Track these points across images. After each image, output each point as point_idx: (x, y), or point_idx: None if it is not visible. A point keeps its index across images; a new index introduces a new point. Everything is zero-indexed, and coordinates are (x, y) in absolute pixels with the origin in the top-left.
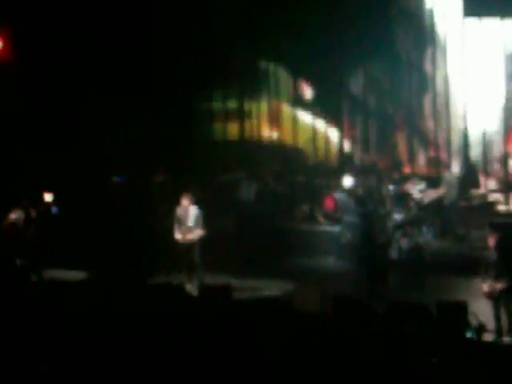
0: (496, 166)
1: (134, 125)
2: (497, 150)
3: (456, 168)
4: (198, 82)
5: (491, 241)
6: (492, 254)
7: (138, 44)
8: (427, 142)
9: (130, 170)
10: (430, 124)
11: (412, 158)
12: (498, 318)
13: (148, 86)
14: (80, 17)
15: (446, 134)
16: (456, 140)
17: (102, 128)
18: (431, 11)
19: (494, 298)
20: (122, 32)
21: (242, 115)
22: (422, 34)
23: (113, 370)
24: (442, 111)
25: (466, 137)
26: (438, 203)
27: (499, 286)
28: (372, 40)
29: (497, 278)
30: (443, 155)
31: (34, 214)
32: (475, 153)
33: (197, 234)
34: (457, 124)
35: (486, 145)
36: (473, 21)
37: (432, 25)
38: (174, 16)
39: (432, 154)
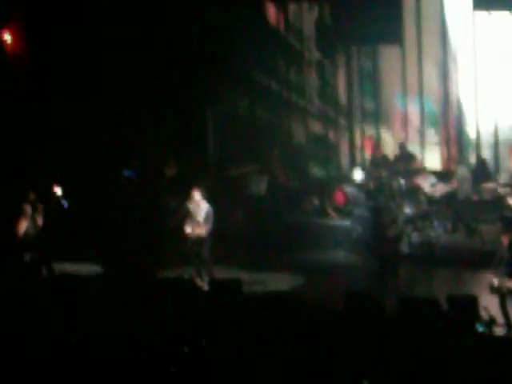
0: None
1: (144, 116)
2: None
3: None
4: (210, 71)
5: (504, 239)
6: (505, 251)
7: (149, 34)
8: None
9: (140, 163)
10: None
11: None
12: (506, 314)
13: (158, 75)
14: (88, 9)
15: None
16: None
17: (111, 120)
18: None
19: (502, 293)
20: (131, 22)
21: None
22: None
23: (118, 364)
24: None
25: (478, 131)
26: (449, 197)
27: (510, 283)
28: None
29: (509, 275)
30: None
31: (41, 208)
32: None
33: (206, 229)
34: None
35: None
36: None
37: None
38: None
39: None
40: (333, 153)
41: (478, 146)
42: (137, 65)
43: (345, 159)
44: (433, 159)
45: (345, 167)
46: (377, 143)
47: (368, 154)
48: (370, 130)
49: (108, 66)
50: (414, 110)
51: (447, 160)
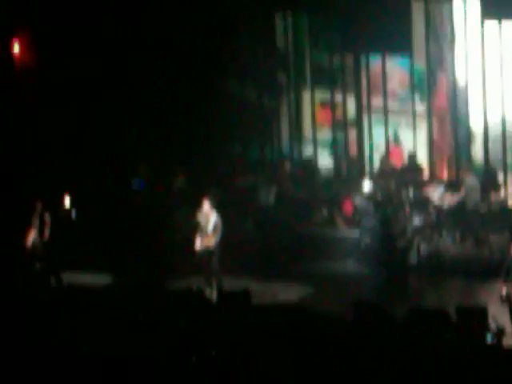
0: None
1: (153, 126)
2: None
3: None
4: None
5: None
6: None
7: (159, 42)
8: None
9: (149, 174)
10: None
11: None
12: None
13: (168, 84)
14: (93, 15)
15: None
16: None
17: (120, 131)
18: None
19: (510, 302)
20: (138, 30)
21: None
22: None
23: (127, 374)
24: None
25: (487, 138)
26: (458, 207)
27: None
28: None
29: None
30: None
31: (48, 217)
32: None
33: (214, 240)
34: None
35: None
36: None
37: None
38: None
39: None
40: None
41: (486, 153)
42: (146, 74)
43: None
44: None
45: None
46: (385, 153)
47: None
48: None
49: (116, 75)
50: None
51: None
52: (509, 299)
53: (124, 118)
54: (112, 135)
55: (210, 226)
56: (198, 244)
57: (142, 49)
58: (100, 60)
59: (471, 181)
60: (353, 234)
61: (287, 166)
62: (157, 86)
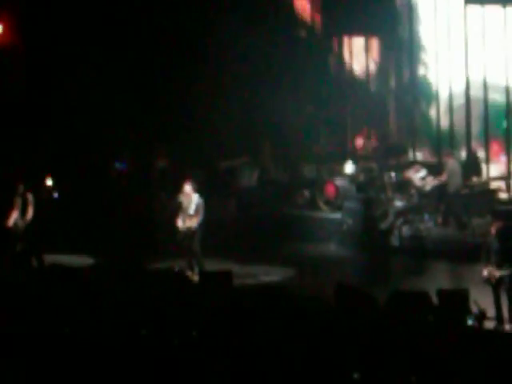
0: None
1: (136, 108)
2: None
3: None
4: (198, 58)
5: (493, 229)
6: (494, 242)
7: (137, 21)
8: None
9: (132, 155)
10: None
11: None
12: (498, 306)
13: (150, 65)
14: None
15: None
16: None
17: (104, 112)
18: None
19: (492, 284)
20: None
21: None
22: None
23: (109, 354)
24: None
25: (468, 125)
26: (439, 190)
27: (498, 273)
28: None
29: (498, 265)
30: None
31: (31, 198)
32: None
33: (196, 221)
34: None
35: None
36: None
37: None
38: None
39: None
40: None
41: (468, 138)
42: (129, 55)
43: None
44: None
45: None
46: (368, 136)
47: None
48: None
49: (99, 58)
50: None
51: None
52: (490, 281)
53: (109, 100)
54: (95, 117)
55: (192, 208)
56: (180, 225)
57: (124, 32)
58: (83, 44)
59: (453, 164)
60: (335, 216)
61: (269, 148)
62: (144, 69)
